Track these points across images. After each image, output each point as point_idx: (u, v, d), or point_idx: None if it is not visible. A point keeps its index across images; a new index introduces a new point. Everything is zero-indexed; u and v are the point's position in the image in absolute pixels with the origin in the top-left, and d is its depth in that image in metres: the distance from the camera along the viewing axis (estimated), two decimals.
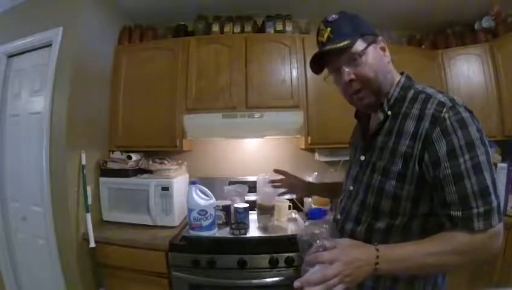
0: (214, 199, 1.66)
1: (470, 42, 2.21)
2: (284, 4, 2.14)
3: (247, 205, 1.76)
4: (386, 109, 0.80)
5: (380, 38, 0.82)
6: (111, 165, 1.90)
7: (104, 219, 1.91)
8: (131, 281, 1.64)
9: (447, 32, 2.37)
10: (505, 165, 1.85)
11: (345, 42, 0.75)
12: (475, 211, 0.66)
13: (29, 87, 1.89)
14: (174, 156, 2.17)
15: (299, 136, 2.03)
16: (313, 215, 1.85)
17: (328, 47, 0.77)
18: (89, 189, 1.78)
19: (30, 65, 1.91)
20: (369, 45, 0.78)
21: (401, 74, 0.85)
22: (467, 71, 2.15)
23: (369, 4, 2.08)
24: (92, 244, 1.66)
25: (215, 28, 2.15)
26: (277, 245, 1.54)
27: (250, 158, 2.27)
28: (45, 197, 1.72)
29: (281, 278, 1.49)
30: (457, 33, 2.33)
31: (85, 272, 1.73)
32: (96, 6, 1.92)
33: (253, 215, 1.81)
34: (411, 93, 0.79)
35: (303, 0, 2.12)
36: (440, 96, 0.74)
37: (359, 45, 0.77)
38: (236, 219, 1.73)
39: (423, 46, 2.36)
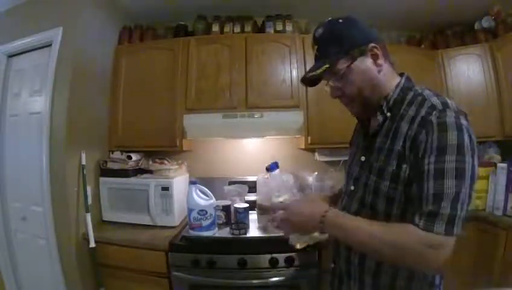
0: (214, 199, 1.66)
1: (470, 42, 2.21)
2: (284, 4, 2.14)
3: (247, 205, 1.76)
4: (385, 110, 0.80)
5: (370, 45, 0.79)
6: (111, 165, 1.90)
7: (104, 219, 1.91)
8: (131, 281, 1.64)
9: (446, 32, 2.37)
10: (505, 165, 1.85)
11: (323, 68, 0.79)
12: (423, 209, 0.67)
13: (29, 87, 1.89)
14: (174, 156, 2.17)
15: (299, 136, 2.03)
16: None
17: (309, 75, 0.82)
18: (89, 189, 1.78)
19: (30, 65, 1.91)
20: (354, 60, 0.78)
21: (401, 75, 0.85)
22: (467, 71, 2.15)
23: (369, 4, 2.09)
24: (92, 244, 1.66)
25: (215, 28, 2.15)
26: (277, 245, 1.54)
27: (250, 158, 2.27)
28: (45, 197, 1.72)
29: (281, 278, 1.49)
30: (457, 33, 2.33)
31: (85, 272, 1.73)
32: (96, 6, 1.93)
33: (253, 215, 1.80)
34: (410, 95, 0.79)
35: (303, 0, 2.13)
36: (434, 99, 0.74)
37: (342, 64, 0.79)
38: (236, 219, 1.73)
39: (423, 46, 2.36)
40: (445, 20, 2.34)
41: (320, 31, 0.81)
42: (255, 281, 1.48)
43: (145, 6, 2.17)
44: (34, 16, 1.89)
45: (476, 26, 2.23)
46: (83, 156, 1.76)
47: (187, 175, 2.08)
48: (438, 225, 0.65)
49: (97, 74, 1.96)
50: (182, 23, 2.24)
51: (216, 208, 1.68)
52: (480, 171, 1.99)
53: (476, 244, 1.83)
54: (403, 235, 0.67)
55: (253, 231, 1.69)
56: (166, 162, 1.99)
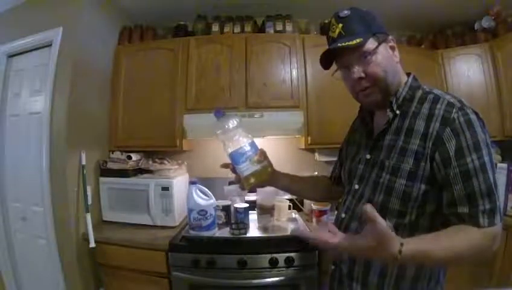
0: (214, 199, 1.66)
1: (470, 42, 2.21)
2: (284, 4, 2.14)
3: (247, 205, 1.76)
4: (395, 107, 0.81)
5: (390, 37, 0.82)
6: (111, 165, 1.90)
7: (104, 219, 1.91)
8: (131, 281, 1.63)
9: (446, 32, 2.37)
10: (505, 165, 1.85)
11: (357, 40, 0.75)
12: (481, 207, 0.68)
13: (29, 87, 1.89)
14: (174, 156, 2.17)
15: (299, 136, 2.03)
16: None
17: (341, 44, 0.76)
18: (89, 189, 1.78)
19: (30, 65, 1.91)
20: (380, 43, 0.78)
21: (408, 74, 0.87)
22: (467, 71, 2.15)
23: (368, 4, 2.07)
24: (92, 244, 1.65)
25: (215, 28, 2.15)
26: (277, 245, 1.54)
27: None
28: (45, 197, 1.72)
29: (281, 278, 1.49)
30: (457, 33, 2.33)
31: (85, 272, 1.73)
32: (96, 6, 1.92)
33: (253, 215, 1.80)
34: (419, 93, 0.81)
35: (303, 0, 2.13)
36: (449, 97, 0.76)
37: (370, 43, 0.77)
38: (236, 219, 1.73)
39: (423, 46, 2.36)
40: (445, 20, 2.34)
41: (346, 12, 0.79)
42: (255, 281, 1.47)
43: (145, 6, 2.17)
44: (34, 16, 1.89)
45: (476, 26, 2.23)
46: (83, 156, 1.76)
47: (187, 175, 2.08)
48: (496, 217, 0.69)
49: (97, 74, 1.96)
50: (182, 23, 2.24)
51: (216, 208, 1.67)
52: None
53: None
54: (475, 238, 0.67)
55: (253, 231, 1.69)
56: (166, 162, 1.99)
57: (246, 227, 1.67)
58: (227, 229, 1.67)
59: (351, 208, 0.87)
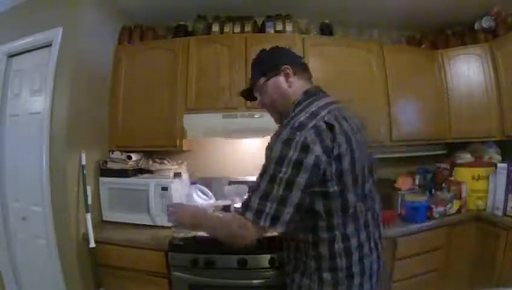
0: (214, 199, 1.66)
1: (470, 42, 2.21)
2: (284, 4, 2.14)
3: None
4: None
5: (283, 67, 0.99)
6: (111, 165, 1.90)
7: (104, 219, 1.91)
8: (131, 281, 1.64)
9: (446, 32, 2.37)
10: (505, 165, 1.85)
11: (249, 85, 1.09)
12: (244, 199, 0.91)
13: (29, 87, 1.89)
14: (174, 156, 2.17)
15: None
16: None
17: (241, 90, 1.16)
18: (89, 189, 1.78)
19: (30, 65, 1.91)
20: (268, 79, 1.01)
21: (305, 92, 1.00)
22: (467, 71, 2.15)
23: (369, 4, 2.09)
24: (92, 244, 1.65)
25: (215, 28, 2.15)
26: (277, 245, 1.54)
27: (250, 158, 2.26)
28: (45, 197, 1.72)
29: (281, 278, 1.48)
30: (457, 33, 2.33)
31: (85, 272, 1.73)
32: (96, 7, 1.93)
33: None
34: (297, 110, 0.95)
35: (303, 0, 2.13)
36: (293, 122, 0.88)
37: (261, 81, 1.03)
38: None
39: (423, 46, 2.36)
40: (445, 20, 2.34)
41: (253, 58, 1.08)
42: (255, 281, 1.48)
43: (145, 6, 2.17)
44: (34, 16, 1.89)
45: (476, 26, 2.23)
46: (83, 156, 1.76)
47: (187, 175, 2.08)
48: (247, 213, 0.85)
49: (97, 73, 1.96)
50: (182, 23, 2.23)
51: (216, 208, 1.68)
52: (480, 171, 1.99)
53: (477, 244, 1.83)
54: (227, 215, 0.99)
55: None
56: (166, 162, 1.99)
57: None
58: None
59: None
